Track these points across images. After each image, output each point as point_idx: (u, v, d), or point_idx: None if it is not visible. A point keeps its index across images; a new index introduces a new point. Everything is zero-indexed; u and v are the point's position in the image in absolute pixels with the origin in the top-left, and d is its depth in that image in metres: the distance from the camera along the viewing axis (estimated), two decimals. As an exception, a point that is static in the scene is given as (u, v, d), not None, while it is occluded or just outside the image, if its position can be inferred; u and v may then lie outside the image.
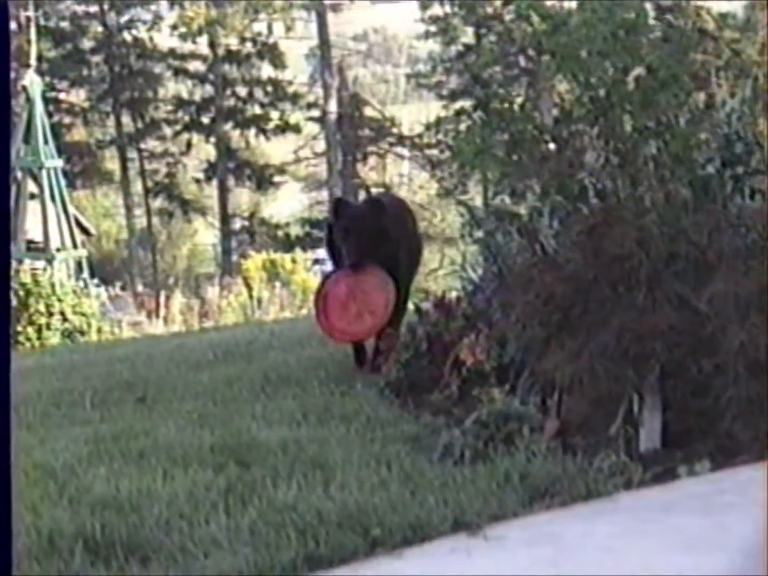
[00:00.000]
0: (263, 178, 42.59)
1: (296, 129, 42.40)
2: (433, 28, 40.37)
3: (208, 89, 43.03)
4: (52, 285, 18.43)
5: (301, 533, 4.36)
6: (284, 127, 42.18)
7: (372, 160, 42.88)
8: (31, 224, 25.95)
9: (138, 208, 43.67)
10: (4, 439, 2.82)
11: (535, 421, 5.53)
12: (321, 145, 42.23)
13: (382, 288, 7.68)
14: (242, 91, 42.91)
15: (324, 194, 41.65)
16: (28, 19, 27.34)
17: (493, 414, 5.53)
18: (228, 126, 42.47)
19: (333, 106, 40.19)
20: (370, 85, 49.17)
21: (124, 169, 42.65)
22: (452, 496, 4.69)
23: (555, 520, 4.54)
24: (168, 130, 43.14)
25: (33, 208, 25.86)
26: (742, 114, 6.32)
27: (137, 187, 43.43)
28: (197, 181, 43.43)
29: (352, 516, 4.49)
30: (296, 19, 42.41)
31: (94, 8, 42.50)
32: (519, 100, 28.35)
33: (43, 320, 17.94)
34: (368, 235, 7.61)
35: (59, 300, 18.26)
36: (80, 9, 42.77)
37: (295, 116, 42.70)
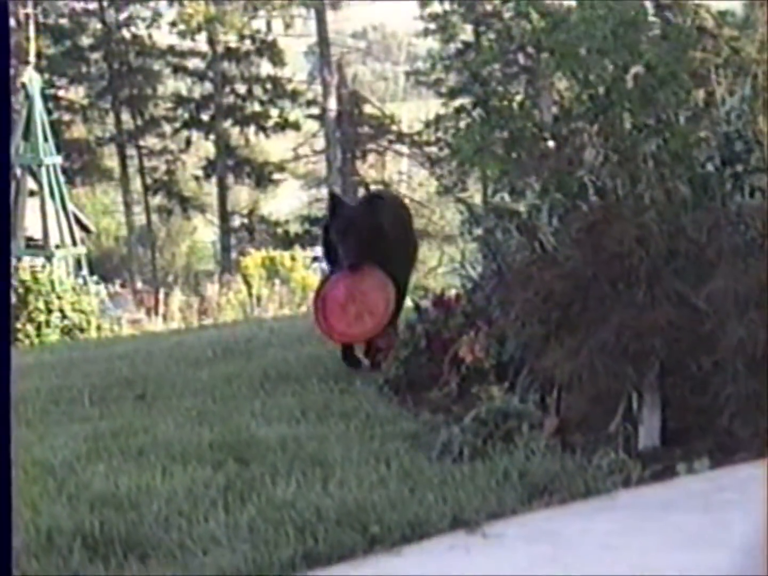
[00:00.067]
0: (262, 176, 42.57)
1: (295, 126, 42.39)
2: (432, 26, 40.36)
3: (208, 86, 43.01)
4: (52, 282, 18.44)
5: (299, 530, 4.36)
6: (283, 125, 42.17)
7: (371, 158, 42.86)
8: (30, 221, 25.92)
9: (137, 206, 43.64)
10: (5, 437, 2.82)
11: (534, 419, 5.53)
12: (320, 143, 42.22)
13: (381, 289, 7.67)
14: (241, 88, 42.89)
15: (323, 191, 41.53)
16: (27, 16, 27.35)
17: (492, 411, 5.53)
18: (227, 123, 42.44)
19: (332, 104, 40.17)
20: (370, 83, 49.15)
21: (124, 166, 42.63)
22: (451, 494, 4.69)
23: (554, 518, 4.54)
24: (167, 128, 43.13)
25: (32, 205, 25.84)
26: (741, 112, 6.32)
27: (136, 184, 43.41)
28: (196, 178, 43.40)
29: (351, 513, 4.49)
30: (295, 17, 42.41)
31: (93, 5, 42.49)
32: (518, 97, 28.36)
33: (42, 317, 17.95)
34: (365, 236, 7.57)
35: (58, 297, 18.27)
36: (79, 6, 42.75)
37: (295, 113, 42.68)
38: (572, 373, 5.35)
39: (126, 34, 42.77)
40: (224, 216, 42.25)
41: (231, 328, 14.31)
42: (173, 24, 41.23)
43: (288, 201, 45.10)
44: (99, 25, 42.76)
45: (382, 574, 4.12)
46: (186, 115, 42.85)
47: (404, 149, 42.81)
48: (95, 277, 24.71)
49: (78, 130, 43.30)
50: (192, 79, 43.56)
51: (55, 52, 41.65)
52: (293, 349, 9.00)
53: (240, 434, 5.92)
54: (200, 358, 9.14)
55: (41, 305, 17.96)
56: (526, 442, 5.26)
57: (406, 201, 16.28)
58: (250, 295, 23.62)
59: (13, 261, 20.13)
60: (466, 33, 40.45)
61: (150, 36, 42.43)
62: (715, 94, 6.70)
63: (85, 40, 42.91)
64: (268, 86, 42.57)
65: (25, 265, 19.70)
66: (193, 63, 43.21)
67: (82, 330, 18.40)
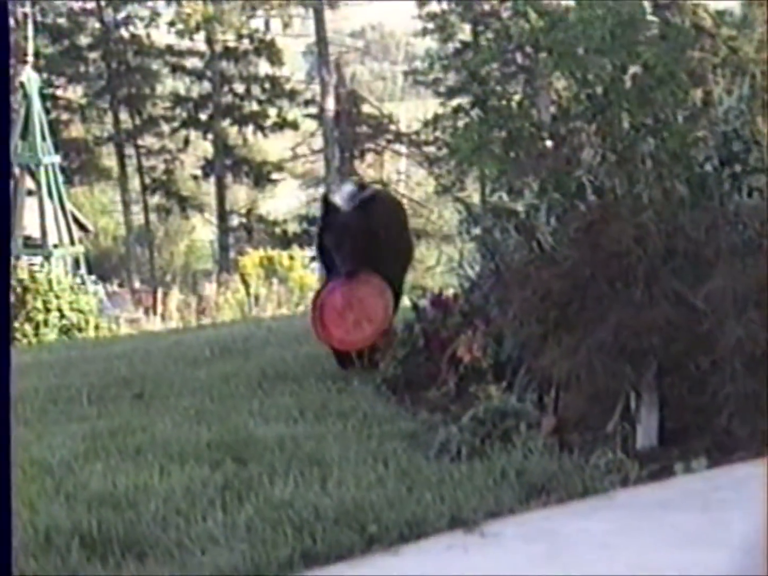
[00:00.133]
0: (261, 175, 42.55)
1: (294, 126, 42.37)
2: (430, 25, 40.34)
3: (206, 86, 42.99)
4: (50, 281, 18.42)
5: (297, 530, 4.36)
6: (282, 124, 42.15)
7: (369, 157, 42.85)
8: (28, 221, 25.93)
9: (135, 205, 43.61)
10: (4, 437, 2.81)
11: (532, 418, 5.53)
12: (318, 142, 42.18)
13: (379, 295, 7.65)
14: (240, 88, 42.88)
15: (321, 191, 41.61)
16: (26, 15, 27.31)
17: (489, 411, 5.53)
18: (225, 123, 42.41)
19: (330, 103, 40.15)
20: (368, 82, 49.10)
21: (122, 165, 42.59)
22: (449, 493, 4.69)
23: (551, 517, 4.54)
24: (165, 127, 43.08)
25: (30, 204, 25.85)
26: (739, 111, 6.32)
27: (135, 183, 43.37)
28: (195, 177, 43.38)
29: (349, 513, 4.49)
30: (293, 16, 42.38)
31: (91, 5, 42.45)
32: (516, 97, 28.39)
33: (40, 317, 17.93)
34: (360, 243, 7.54)
35: (56, 297, 18.25)
36: (77, 5, 42.71)
37: (293, 113, 42.65)
38: (570, 373, 5.35)
39: (124, 33, 42.74)
40: (222, 215, 42.23)
41: (229, 328, 14.30)
42: (171, 23, 41.20)
43: (286, 200, 45.06)
44: (97, 25, 42.72)
45: (380, 574, 4.12)
46: (184, 115, 42.81)
47: (402, 149, 42.82)
48: (93, 277, 24.72)
49: (76, 130, 43.26)
50: (190, 78, 43.53)
51: (54, 51, 41.59)
52: (291, 348, 8.99)
53: (238, 433, 5.91)
54: (198, 358, 9.14)
55: (39, 304, 17.94)
56: (524, 442, 5.26)
57: (404, 200, 16.26)
58: (248, 294, 23.60)
59: (11, 260, 20.12)
60: (465, 32, 40.44)
61: (148, 35, 42.39)
62: (713, 93, 6.71)
63: (84, 40, 42.88)
64: (267, 86, 42.55)
65: (23, 265, 19.70)
66: (192, 62, 43.17)
67: (80, 329, 18.38)
